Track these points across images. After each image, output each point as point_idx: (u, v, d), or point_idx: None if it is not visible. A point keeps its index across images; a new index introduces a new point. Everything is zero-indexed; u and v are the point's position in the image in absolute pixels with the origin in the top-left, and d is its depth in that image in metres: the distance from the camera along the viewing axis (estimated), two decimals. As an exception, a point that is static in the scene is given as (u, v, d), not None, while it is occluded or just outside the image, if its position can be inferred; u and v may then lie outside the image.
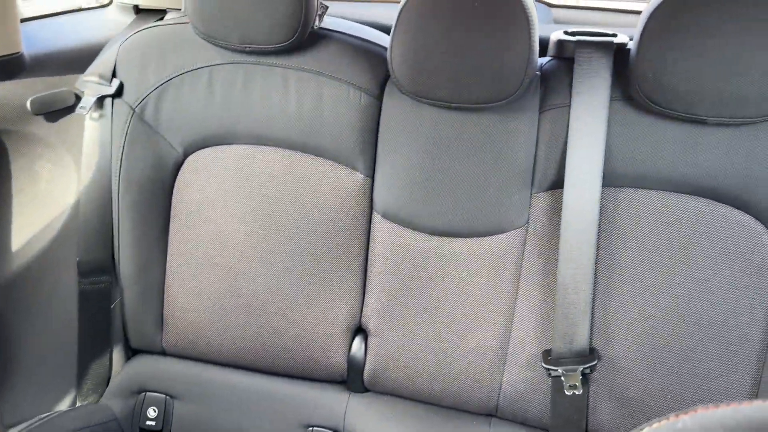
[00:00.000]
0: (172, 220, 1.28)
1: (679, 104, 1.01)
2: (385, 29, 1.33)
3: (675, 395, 1.12)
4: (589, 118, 1.08)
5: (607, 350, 1.14)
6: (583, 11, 1.68)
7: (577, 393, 1.10)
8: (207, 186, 1.25)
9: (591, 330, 1.12)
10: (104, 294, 1.30)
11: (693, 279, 1.09)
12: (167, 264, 1.29)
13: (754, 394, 1.09)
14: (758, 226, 1.06)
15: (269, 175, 1.23)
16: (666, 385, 1.12)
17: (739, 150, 1.04)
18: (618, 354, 1.13)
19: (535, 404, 1.18)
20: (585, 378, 1.12)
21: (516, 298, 1.17)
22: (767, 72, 0.95)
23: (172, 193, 1.27)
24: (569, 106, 1.09)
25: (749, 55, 0.95)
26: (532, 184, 1.14)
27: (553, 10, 1.67)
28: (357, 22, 1.33)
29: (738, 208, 1.06)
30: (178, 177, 1.26)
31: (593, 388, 1.15)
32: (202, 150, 1.25)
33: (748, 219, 1.06)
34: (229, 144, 1.24)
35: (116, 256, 1.28)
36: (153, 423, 1.32)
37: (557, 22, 1.67)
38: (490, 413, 1.23)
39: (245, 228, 1.25)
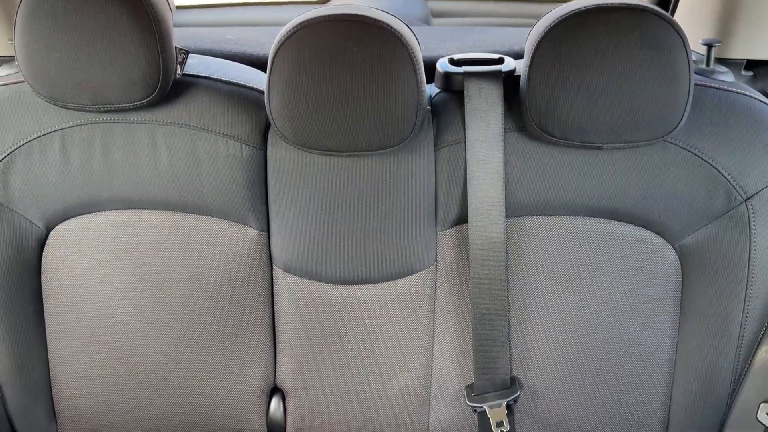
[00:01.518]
0: (45, 302, 1.14)
1: (573, 134, 0.98)
2: (260, 61, 1.22)
3: (594, 412, 1.14)
4: (486, 152, 1.03)
5: (527, 378, 1.13)
6: (460, 2, 1.62)
7: (504, 430, 1.10)
8: (79, 260, 1.12)
9: (510, 360, 1.11)
10: None
11: (601, 298, 1.09)
12: (49, 351, 1.16)
13: (668, 401, 1.12)
14: (659, 240, 1.07)
15: (149, 240, 1.11)
16: (585, 403, 1.14)
17: (636, 170, 1.03)
18: (538, 381, 1.13)
19: None
20: (510, 409, 1.12)
21: (433, 337, 1.14)
22: (653, 98, 0.94)
23: (40, 272, 1.13)
24: (464, 141, 1.04)
25: (633, 84, 0.93)
26: (436, 221, 1.09)
27: (430, 3, 1.59)
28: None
29: (639, 226, 1.06)
30: (44, 254, 1.13)
31: (517, 417, 1.15)
32: (67, 221, 1.11)
33: (649, 235, 1.07)
34: (97, 212, 1.11)
35: None
36: None
37: (434, 15, 1.60)
38: None
39: (131, 301, 1.13)
